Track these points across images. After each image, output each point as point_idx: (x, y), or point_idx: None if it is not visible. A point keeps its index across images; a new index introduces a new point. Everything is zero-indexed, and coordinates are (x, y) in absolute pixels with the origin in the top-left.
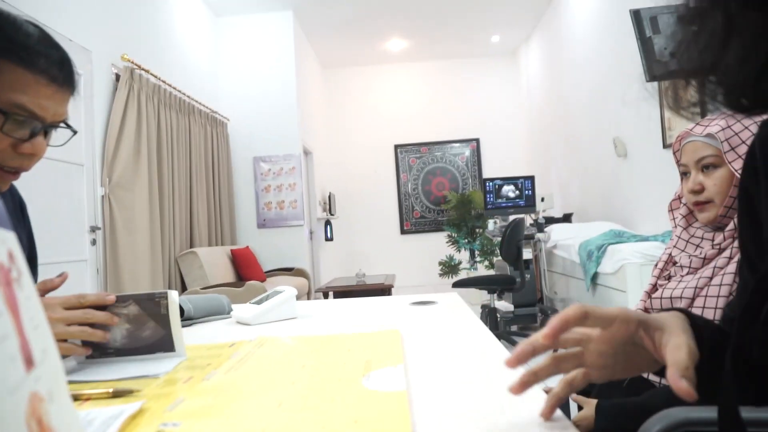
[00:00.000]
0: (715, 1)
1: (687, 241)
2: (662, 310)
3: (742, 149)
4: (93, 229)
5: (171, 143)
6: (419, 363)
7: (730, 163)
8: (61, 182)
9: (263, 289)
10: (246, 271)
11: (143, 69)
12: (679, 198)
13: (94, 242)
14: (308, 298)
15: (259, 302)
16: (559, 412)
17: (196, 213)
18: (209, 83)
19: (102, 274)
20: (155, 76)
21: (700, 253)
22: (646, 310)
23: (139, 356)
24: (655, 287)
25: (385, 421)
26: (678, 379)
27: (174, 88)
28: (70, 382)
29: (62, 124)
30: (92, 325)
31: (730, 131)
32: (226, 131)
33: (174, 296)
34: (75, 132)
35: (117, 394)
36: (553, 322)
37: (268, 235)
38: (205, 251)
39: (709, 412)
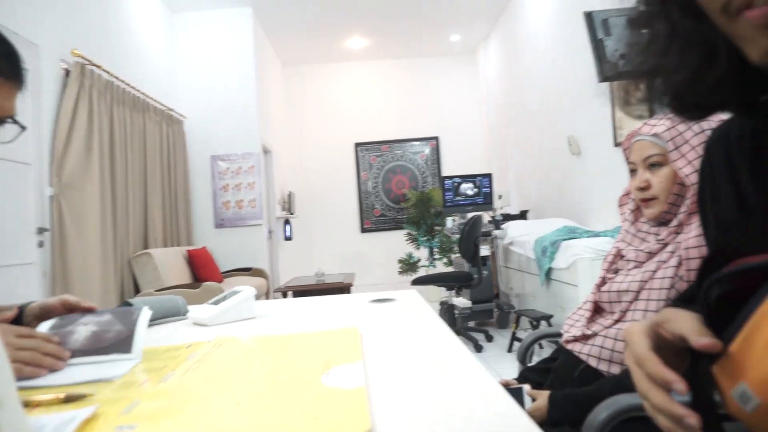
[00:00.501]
0: (659, 7)
1: (634, 235)
2: (611, 302)
3: (686, 148)
4: (40, 231)
5: (125, 141)
6: (378, 360)
7: (673, 161)
8: (6, 182)
9: (220, 290)
10: (203, 272)
11: (95, 65)
12: (628, 194)
13: (41, 244)
14: (267, 298)
15: (216, 303)
16: (513, 403)
17: (151, 213)
18: (165, 80)
19: (50, 277)
20: (108, 72)
21: (646, 248)
22: (596, 302)
23: (93, 358)
24: (604, 281)
25: (345, 418)
26: (699, 339)
27: (128, 85)
28: (20, 389)
29: (9, 120)
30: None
31: (675, 131)
32: (182, 129)
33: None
34: (24, 128)
35: (69, 399)
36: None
37: (225, 235)
38: (160, 252)
39: None
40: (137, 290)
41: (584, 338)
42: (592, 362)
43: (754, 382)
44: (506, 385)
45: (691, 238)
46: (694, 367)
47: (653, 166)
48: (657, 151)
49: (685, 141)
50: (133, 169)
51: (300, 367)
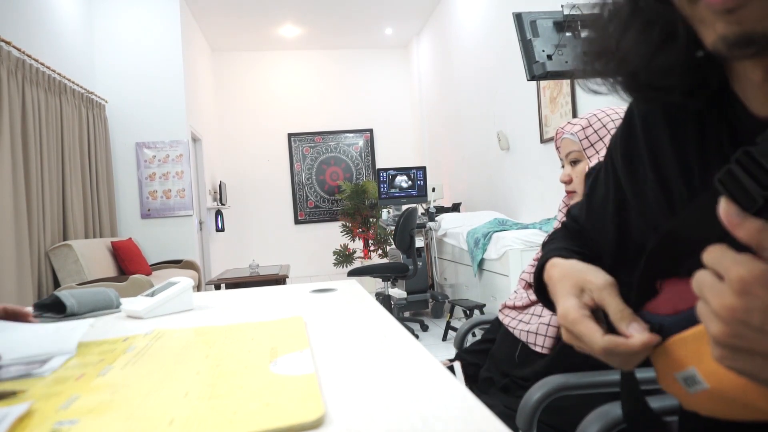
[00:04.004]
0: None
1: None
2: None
3: (600, 146)
4: None
5: (39, 126)
6: (325, 347)
7: (588, 158)
8: None
9: (149, 283)
10: (129, 264)
11: (4, 40)
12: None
13: None
14: (198, 291)
15: (152, 294)
16: (454, 378)
17: (70, 203)
18: (85, 61)
19: None
20: (19, 50)
21: None
22: (529, 283)
23: (22, 358)
24: (535, 263)
25: (298, 403)
26: (634, 337)
27: (42, 64)
28: None
29: None
30: None
31: (590, 129)
32: (104, 114)
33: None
34: None
35: None
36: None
37: (153, 226)
38: (81, 244)
39: (582, 378)
40: (57, 284)
41: (516, 309)
42: (523, 336)
43: (707, 370)
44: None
45: None
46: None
47: (573, 162)
48: (575, 148)
49: (600, 138)
50: (48, 155)
51: (246, 357)
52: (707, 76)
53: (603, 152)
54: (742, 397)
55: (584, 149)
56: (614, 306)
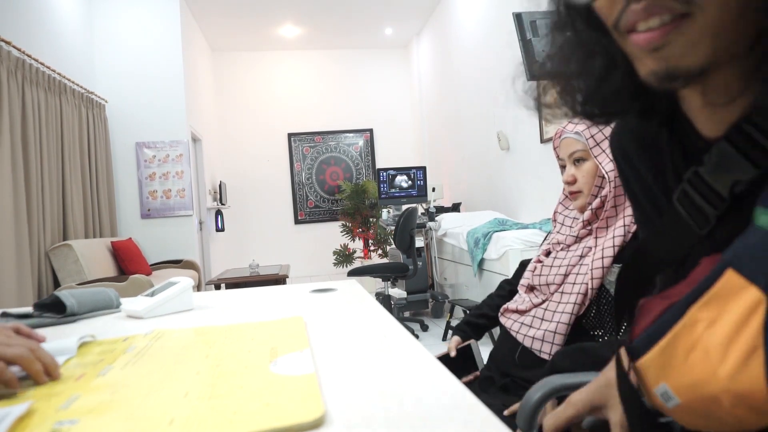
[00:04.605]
0: (566, 17)
1: (562, 224)
2: (540, 285)
3: (606, 144)
4: None
5: (39, 126)
6: (325, 347)
7: (595, 157)
8: None
9: (149, 283)
10: (129, 264)
11: (4, 40)
12: (561, 203)
13: None
14: (198, 291)
15: (152, 294)
16: (455, 380)
17: (70, 202)
18: (85, 61)
19: None
20: (19, 50)
21: (574, 232)
22: (531, 286)
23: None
24: (536, 264)
25: (298, 403)
26: None
27: (42, 64)
28: None
29: None
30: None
31: (595, 128)
32: (104, 113)
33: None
34: None
35: None
36: None
37: (153, 226)
38: (81, 244)
39: (582, 378)
40: (57, 284)
41: (518, 312)
42: (527, 342)
43: (675, 385)
44: (457, 346)
45: (608, 239)
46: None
47: (578, 161)
48: (580, 147)
49: (605, 137)
50: (48, 155)
51: (246, 357)
52: (657, 99)
53: (609, 151)
54: (707, 410)
55: (590, 148)
56: None
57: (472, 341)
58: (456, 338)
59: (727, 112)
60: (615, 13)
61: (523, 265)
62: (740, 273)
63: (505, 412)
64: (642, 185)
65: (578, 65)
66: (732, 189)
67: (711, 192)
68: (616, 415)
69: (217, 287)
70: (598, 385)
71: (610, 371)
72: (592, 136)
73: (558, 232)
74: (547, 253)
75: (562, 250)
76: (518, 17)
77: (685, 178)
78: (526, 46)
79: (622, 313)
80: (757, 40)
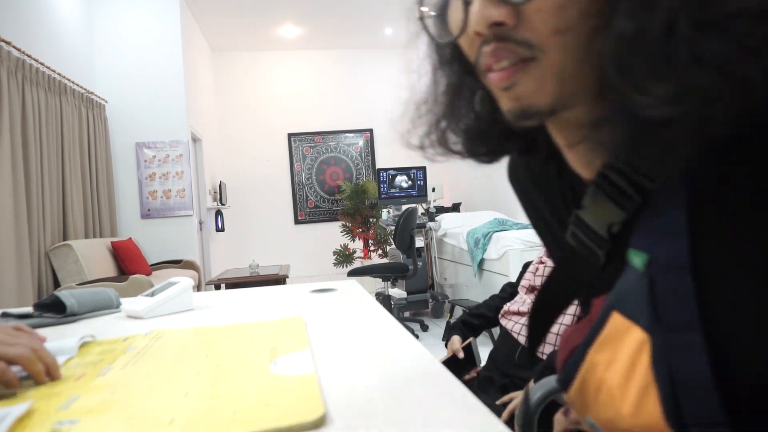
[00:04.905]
0: (441, 58)
1: None
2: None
3: None
4: None
5: (39, 126)
6: (325, 347)
7: None
8: None
9: (149, 283)
10: (129, 264)
11: (4, 40)
12: None
13: None
14: (198, 291)
15: (152, 294)
16: (457, 382)
17: (70, 202)
18: (85, 61)
19: None
20: (19, 50)
21: None
22: (531, 287)
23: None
24: (538, 266)
25: (298, 404)
26: None
27: (42, 64)
28: None
29: None
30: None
31: None
32: (104, 114)
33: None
34: None
35: None
36: None
37: (153, 226)
38: (81, 244)
39: None
40: (57, 284)
41: (519, 314)
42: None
43: (596, 419)
44: (462, 343)
45: None
46: None
47: None
48: None
49: None
50: (48, 155)
51: (246, 357)
52: (535, 139)
53: None
54: None
55: None
56: None
57: (471, 339)
58: (457, 338)
59: (593, 155)
60: (474, 53)
61: (526, 267)
62: (624, 315)
63: (504, 415)
64: (541, 217)
65: (453, 105)
66: (609, 230)
67: (593, 233)
68: None
69: (217, 287)
70: None
71: None
72: None
73: None
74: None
75: None
76: None
77: (570, 220)
78: None
79: (536, 340)
80: (600, 86)
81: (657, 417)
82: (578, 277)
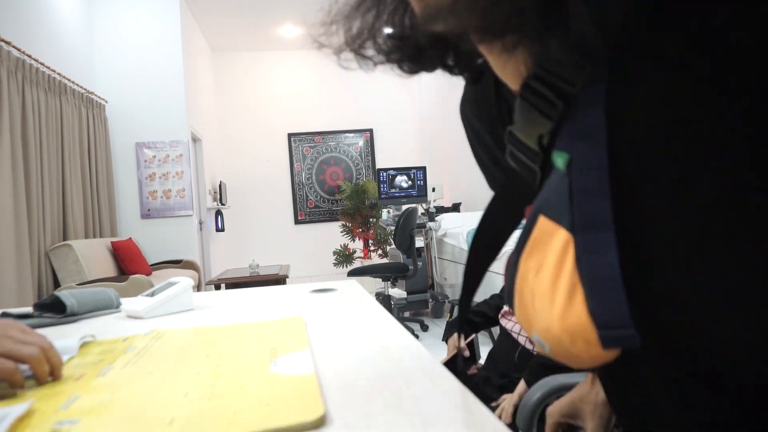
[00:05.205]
0: None
1: None
2: None
3: None
4: None
5: (39, 126)
6: (325, 347)
7: None
8: None
9: (149, 283)
10: (129, 264)
11: (4, 40)
12: None
13: None
14: (198, 291)
15: (152, 294)
16: (457, 382)
17: (70, 203)
18: (85, 61)
19: None
20: (19, 50)
21: None
22: None
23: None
24: None
25: (298, 404)
26: None
27: (42, 64)
28: None
29: None
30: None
31: None
32: (104, 114)
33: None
34: None
35: None
36: None
37: (153, 226)
38: (81, 244)
39: (582, 378)
40: (57, 284)
41: None
42: (528, 344)
43: (538, 331)
44: (466, 340)
45: None
46: None
47: None
48: None
49: None
50: (48, 155)
51: (246, 357)
52: (460, 54)
53: None
54: (565, 349)
55: None
56: None
57: (474, 335)
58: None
59: (518, 66)
60: None
61: None
62: (549, 217)
63: (497, 413)
64: (485, 150)
65: (377, 11)
66: (540, 142)
67: (526, 148)
68: (589, 425)
69: (217, 287)
70: (572, 399)
71: (583, 386)
72: None
73: None
74: None
75: None
76: None
77: (505, 138)
78: None
79: (474, 272)
80: None
81: (583, 316)
82: (520, 200)
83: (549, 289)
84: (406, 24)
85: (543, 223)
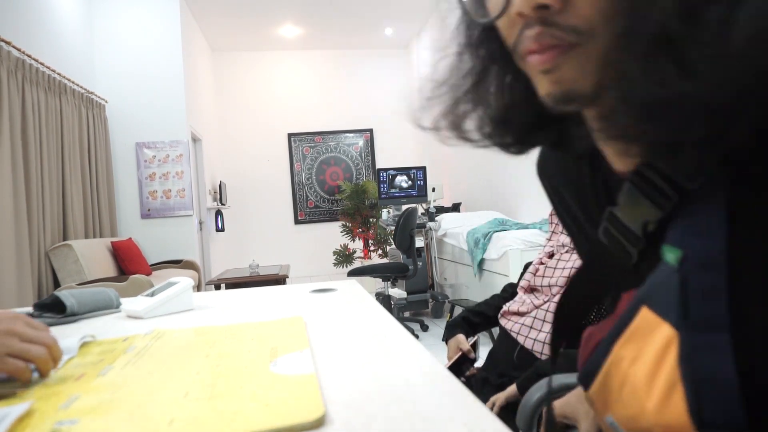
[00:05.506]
0: (470, 42)
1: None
2: (542, 286)
3: None
4: None
5: (39, 126)
6: (325, 347)
7: None
8: None
9: (149, 283)
10: (129, 264)
11: (4, 40)
12: None
13: None
14: (198, 291)
15: (152, 294)
16: (457, 382)
17: (70, 203)
18: (85, 61)
19: None
20: (19, 50)
21: None
22: (531, 288)
23: None
24: (539, 266)
25: (298, 404)
26: None
27: (42, 64)
28: None
29: None
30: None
31: None
32: (104, 114)
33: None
34: None
35: None
36: None
37: (153, 226)
38: (81, 244)
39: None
40: (57, 284)
41: (519, 314)
42: (528, 344)
43: (617, 417)
44: (473, 344)
45: None
46: None
47: None
48: None
49: None
50: (48, 155)
51: (246, 357)
52: (568, 132)
53: None
54: None
55: None
56: None
57: (477, 336)
58: (461, 337)
59: (631, 148)
60: (514, 36)
61: (527, 267)
62: (653, 310)
63: (495, 409)
64: (569, 213)
65: (477, 91)
66: (645, 228)
67: (627, 231)
68: (583, 425)
69: (217, 287)
70: (569, 399)
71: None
72: None
73: (562, 233)
74: (551, 255)
75: (566, 252)
76: None
77: (603, 217)
78: None
79: (560, 340)
80: None
81: (682, 416)
82: (608, 274)
83: (644, 381)
84: (508, 103)
85: (646, 314)
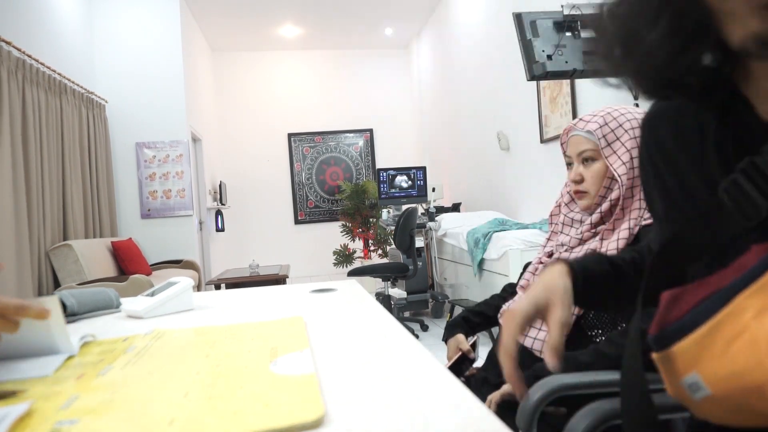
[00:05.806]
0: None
1: (569, 225)
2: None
3: (617, 145)
4: None
5: (39, 126)
6: (325, 347)
7: (606, 158)
8: None
9: (149, 283)
10: (129, 264)
11: (4, 40)
12: (558, 206)
13: None
14: (198, 291)
15: (152, 294)
16: (457, 381)
17: (71, 203)
18: (85, 61)
19: None
20: (19, 50)
21: (577, 234)
22: (529, 287)
23: (20, 358)
24: (538, 266)
25: (297, 404)
26: (550, 357)
27: (42, 64)
28: None
29: None
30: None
31: (607, 128)
32: (104, 114)
33: (53, 299)
34: None
35: None
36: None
37: (153, 226)
38: (81, 244)
39: (582, 378)
40: (57, 284)
41: None
42: (527, 343)
43: (709, 374)
44: (473, 344)
45: (612, 242)
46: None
47: (586, 160)
48: (590, 146)
49: (617, 138)
50: (49, 155)
51: (246, 357)
52: (718, 77)
53: (621, 152)
54: (745, 402)
55: (602, 148)
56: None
57: (477, 336)
58: (461, 337)
59: None
60: None
61: (527, 267)
62: None
63: (492, 407)
64: (675, 174)
65: (663, 29)
66: None
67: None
68: (556, 313)
69: (217, 287)
70: (536, 292)
71: (547, 274)
72: (603, 136)
73: (561, 233)
74: (550, 255)
75: (566, 251)
76: (518, 17)
77: (738, 167)
78: (526, 46)
79: (649, 305)
80: None
81: None
82: (708, 239)
83: None
84: (677, 45)
85: None
